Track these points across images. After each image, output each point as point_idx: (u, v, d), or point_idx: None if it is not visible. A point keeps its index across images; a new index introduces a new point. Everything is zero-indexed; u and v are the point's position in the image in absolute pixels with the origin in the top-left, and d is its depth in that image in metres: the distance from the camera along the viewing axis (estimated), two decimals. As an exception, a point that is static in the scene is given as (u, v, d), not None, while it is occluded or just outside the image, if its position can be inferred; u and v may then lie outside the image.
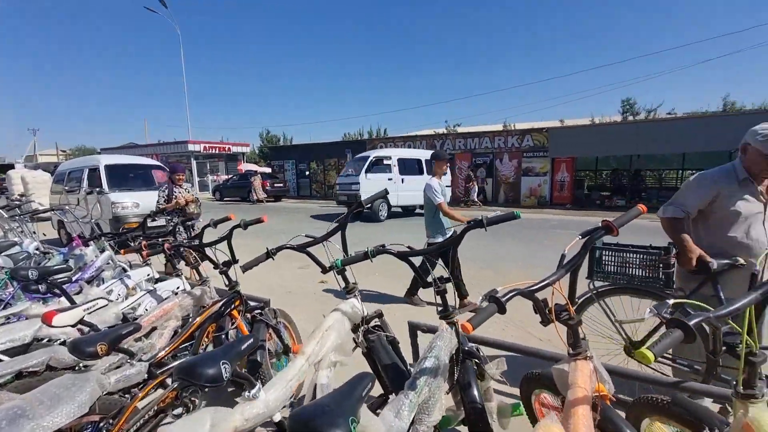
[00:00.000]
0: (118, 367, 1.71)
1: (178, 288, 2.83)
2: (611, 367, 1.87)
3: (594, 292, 2.37)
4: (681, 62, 69.54)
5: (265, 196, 19.21)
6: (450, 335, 1.50)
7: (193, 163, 24.43)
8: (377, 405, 1.96)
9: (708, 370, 2.06)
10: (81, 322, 1.86)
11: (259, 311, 2.33)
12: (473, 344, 1.66)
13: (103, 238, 3.44)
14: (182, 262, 3.08)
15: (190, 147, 24.37)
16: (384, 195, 2.13)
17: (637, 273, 2.31)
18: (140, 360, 1.78)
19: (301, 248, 1.81)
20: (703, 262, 2.01)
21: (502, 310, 1.09)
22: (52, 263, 3.61)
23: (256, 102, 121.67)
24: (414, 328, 2.66)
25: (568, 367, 1.25)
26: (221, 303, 2.17)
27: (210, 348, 2.17)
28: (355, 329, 1.79)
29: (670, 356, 2.34)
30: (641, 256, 2.30)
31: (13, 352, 1.93)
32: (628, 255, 2.34)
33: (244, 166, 24.62)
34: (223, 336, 2.30)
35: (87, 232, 3.97)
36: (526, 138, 15.55)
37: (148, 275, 3.02)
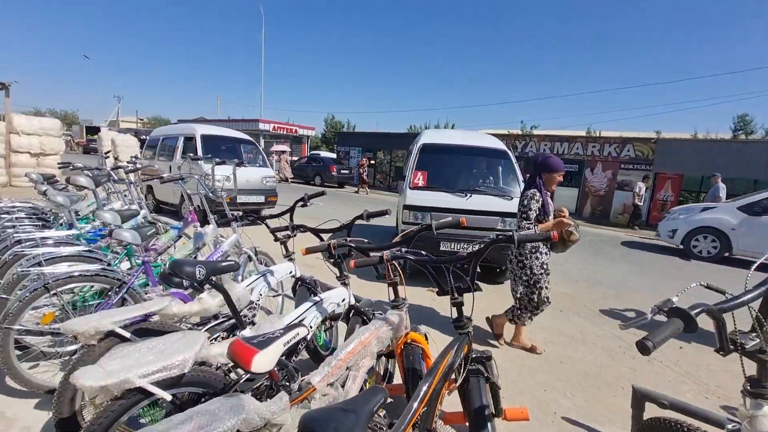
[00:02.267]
0: None
1: (290, 273, 2.37)
2: None
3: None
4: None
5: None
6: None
7: (261, 141, 24.76)
8: None
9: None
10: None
11: (486, 357, 1.55)
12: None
13: (235, 222, 2.87)
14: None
15: (261, 126, 24.70)
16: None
17: None
18: None
19: None
20: None
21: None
22: (165, 238, 3.13)
23: (322, 88, 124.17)
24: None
25: None
26: (454, 350, 1.40)
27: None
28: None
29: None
30: None
31: (165, 384, 1.31)
32: None
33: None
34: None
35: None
36: (626, 147, 13.80)
37: (290, 273, 2.40)
